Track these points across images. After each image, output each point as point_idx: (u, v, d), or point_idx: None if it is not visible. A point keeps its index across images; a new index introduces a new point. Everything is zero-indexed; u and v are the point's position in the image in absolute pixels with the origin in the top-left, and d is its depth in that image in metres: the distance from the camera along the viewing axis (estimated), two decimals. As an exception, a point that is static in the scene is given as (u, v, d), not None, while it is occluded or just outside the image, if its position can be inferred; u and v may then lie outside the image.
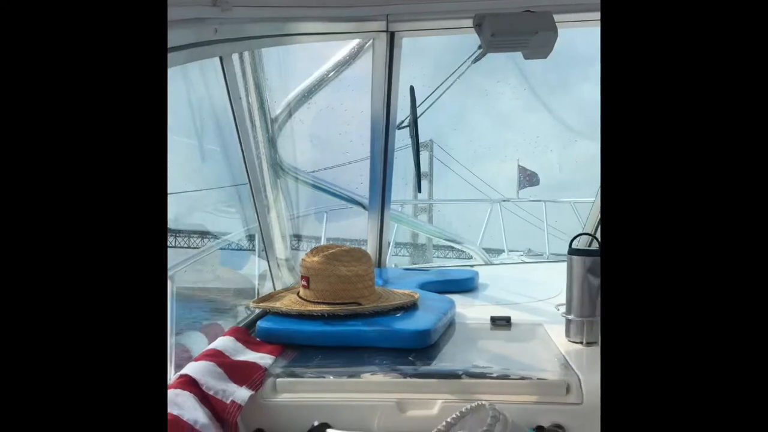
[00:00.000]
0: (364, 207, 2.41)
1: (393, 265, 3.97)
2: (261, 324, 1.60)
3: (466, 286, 2.22)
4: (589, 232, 2.65)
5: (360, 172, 2.30)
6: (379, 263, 2.52)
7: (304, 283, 1.74)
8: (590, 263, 1.53)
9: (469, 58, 1.84)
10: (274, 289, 2.13)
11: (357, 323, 1.59)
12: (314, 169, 2.43)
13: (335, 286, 1.70)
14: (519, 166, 8.47)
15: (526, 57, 1.74)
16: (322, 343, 1.55)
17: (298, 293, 1.78)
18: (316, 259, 1.73)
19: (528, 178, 8.16)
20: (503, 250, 6.47)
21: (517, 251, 7.03)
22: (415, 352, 1.49)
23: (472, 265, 2.84)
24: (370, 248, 2.48)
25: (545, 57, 1.73)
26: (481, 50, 1.74)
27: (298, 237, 2.47)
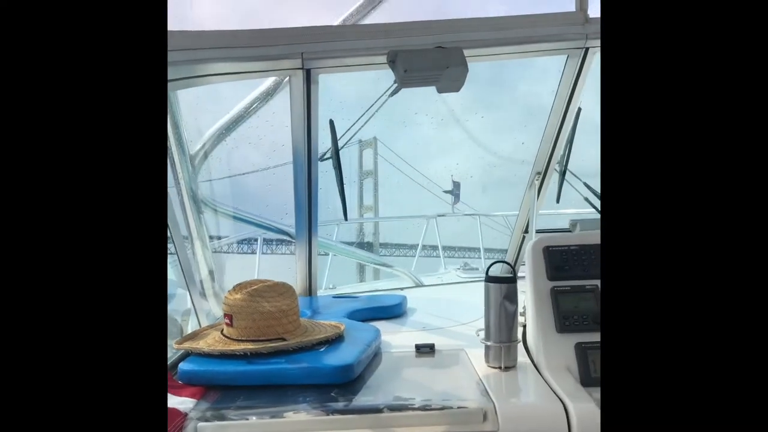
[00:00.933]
0: (291, 237, 2.41)
1: (329, 287, 4.00)
2: (183, 366, 1.58)
3: (393, 312, 2.26)
4: (510, 255, 2.75)
5: (286, 202, 2.30)
6: (310, 291, 2.53)
7: (227, 321, 1.72)
8: (506, 290, 1.59)
9: (385, 92, 1.89)
10: (199, 326, 2.10)
11: (281, 360, 1.58)
12: (235, 205, 2.41)
13: (259, 322, 1.69)
14: (453, 181, 8.65)
15: (440, 91, 1.80)
16: (246, 383, 1.54)
17: (221, 331, 1.77)
18: (238, 296, 1.72)
19: (457, 193, 8.34)
20: (440, 265, 6.57)
21: (454, 265, 7.15)
22: (339, 387, 1.50)
23: (402, 288, 2.88)
24: (300, 276, 2.48)
25: (457, 90, 1.80)
26: (396, 85, 1.78)
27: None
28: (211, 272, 2.38)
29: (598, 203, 2.48)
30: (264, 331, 1.69)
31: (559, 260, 1.68)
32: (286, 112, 1.94)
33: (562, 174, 2.43)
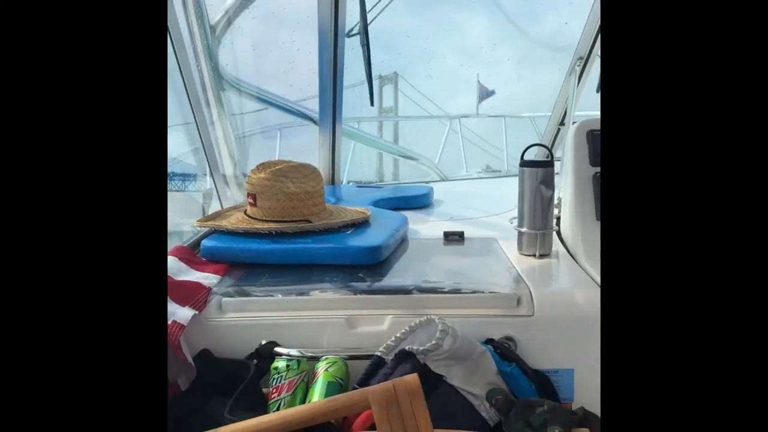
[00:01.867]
0: (314, 122, 2.31)
1: (347, 183, 3.93)
2: (206, 243, 1.54)
3: (420, 202, 2.19)
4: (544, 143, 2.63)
5: (309, 82, 2.18)
6: (333, 180, 2.46)
7: (251, 200, 1.66)
8: (542, 175, 1.50)
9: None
10: (221, 208, 2.06)
11: (306, 240, 1.54)
12: (258, 81, 2.29)
13: (283, 203, 1.63)
14: (478, 82, 8.33)
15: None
16: (270, 261, 1.50)
17: (245, 211, 1.72)
18: (262, 175, 1.65)
19: (484, 93, 8.05)
20: (462, 168, 6.47)
21: (476, 168, 7.05)
22: (366, 268, 1.45)
23: (427, 182, 2.80)
24: (322, 164, 2.41)
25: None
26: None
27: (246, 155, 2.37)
28: (233, 157, 2.31)
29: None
30: (289, 211, 1.63)
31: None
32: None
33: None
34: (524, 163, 1.52)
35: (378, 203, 2.07)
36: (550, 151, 1.54)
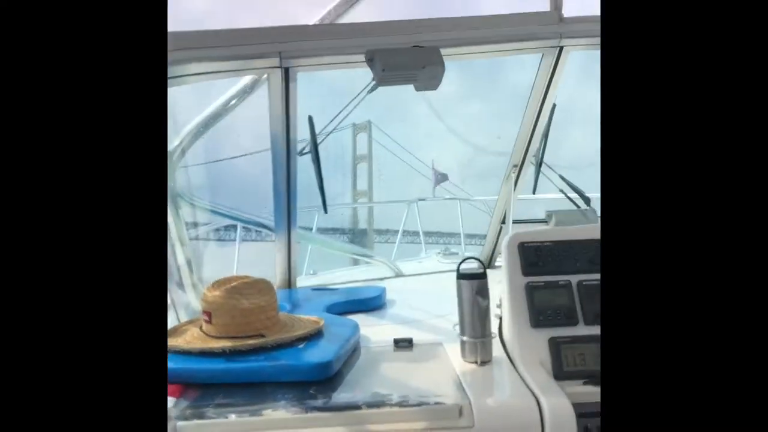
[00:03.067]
0: (270, 230, 2.43)
1: (309, 273, 4.00)
2: (162, 364, 1.60)
3: (373, 305, 2.29)
4: (488, 244, 2.79)
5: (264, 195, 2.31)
6: (290, 284, 2.55)
7: (206, 318, 1.74)
8: (477, 286, 1.62)
9: (364, 89, 1.90)
10: (178, 320, 2.12)
11: (260, 358, 1.61)
12: (213, 198, 2.41)
13: (238, 319, 1.71)
14: (432, 168, 8.68)
15: (417, 89, 1.82)
16: (225, 380, 1.56)
17: (200, 327, 1.79)
18: (217, 293, 1.74)
19: (440, 177, 8.40)
20: (421, 250, 6.62)
21: (435, 250, 7.21)
22: (317, 384, 1.53)
23: (381, 279, 2.91)
24: (279, 270, 2.50)
25: (435, 89, 1.82)
26: (374, 83, 1.80)
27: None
28: (189, 263, 2.38)
29: (572, 194, 2.53)
30: (243, 327, 1.71)
31: (533, 256, 1.71)
32: (265, 107, 1.94)
33: (538, 166, 2.47)
34: (460, 276, 1.65)
35: (332, 308, 2.16)
36: (482, 264, 1.68)
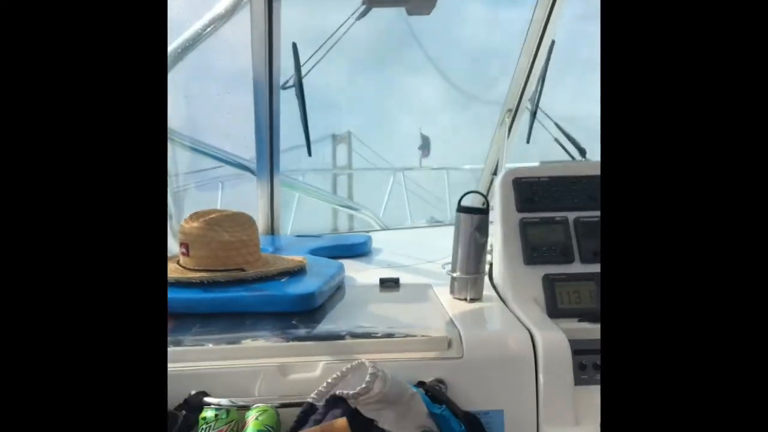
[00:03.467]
0: (252, 172, 2.32)
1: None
2: (135, 295, 1.51)
3: (358, 250, 2.20)
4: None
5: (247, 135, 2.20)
6: (272, 230, 2.45)
7: (183, 250, 1.64)
8: (477, 221, 1.54)
9: (353, 15, 1.79)
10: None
11: (239, 289, 1.52)
12: (193, 133, 2.30)
13: (217, 252, 1.62)
14: (421, 134, 8.56)
15: (409, 12, 1.71)
16: (202, 311, 1.48)
17: (177, 261, 1.69)
18: (195, 224, 1.64)
19: (426, 145, 8.28)
20: (407, 219, 6.55)
21: (421, 220, 7.15)
22: (300, 315, 1.45)
23: (367, 231, 2.83)
24: (261, 215, 2.41)
25: (428, 13, 1.71)
26: (365, 5, 1.69)
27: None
28: (168, 210, 2.28)
29: (568, 145, 2.45)
30: (222, 261, 1.62)
31: (528, 192, 1.63)
32: (246, 33, 1.82)
33: (533, 113, 2.38)
34: (461, 209, 1.56)
35: (316, 252, 2.08)
36: (486, 198, 1.59)
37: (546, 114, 2.36)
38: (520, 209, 1.62)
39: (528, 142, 2.45)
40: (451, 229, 1.61)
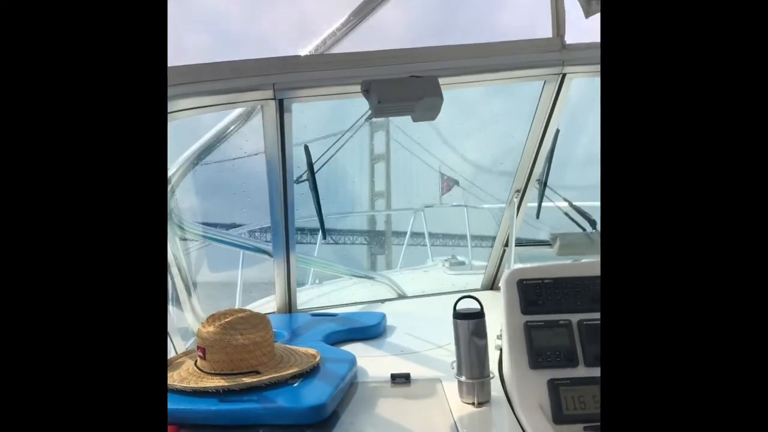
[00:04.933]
0: (269, 255, 2.40)
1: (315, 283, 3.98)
2: (154, 404, 1.57)
3: (372, 333, 2.25)
4: (490, 269, 2.75)
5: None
6: (289, 308, 2.52)
7: (201, 354, 1.71)
8: (474, 326, 1.58)
9: (361, 117, 1.86)
10: (173, 349, 2.10)
11: (253, 398, 1.58)
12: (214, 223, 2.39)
13: (232, 356, 1.68)
14: (440, 173, 8.62)
15: (415, 120, 1.78)
16: (218, 422, 1.53)
17: (195, 361, 1.76)
18: (211, 329, 1.71)
19: (447, 184, 8.34)
20: (428, 257, 6.58)
21: (441, 255, 7.17)
22: (312, 427, 1.50)
23: (383, 300, 2.88)
24: (278, 294, 2.47)
25: (433, 119, 1.78)
26: (371, 116, 1.76)
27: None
28: (186, 285, 2.36)
29: (578, 218, 2.48)
30: (237, 364, 1.68)
31: (533, 294, 1.67)
32: (260, 136, 1.91)
33: (542, 190, 2.42)
34: (457, 315, 1.61)
35: (330, 337, 2.13)
36: (479, 302, 1.63)
37: (554, 191, 2.40)
38: (524, 311, 1.66)
39: (537, 218, 2.50)
40: (471, 278, 1.63)
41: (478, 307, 1.62)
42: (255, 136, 1.95)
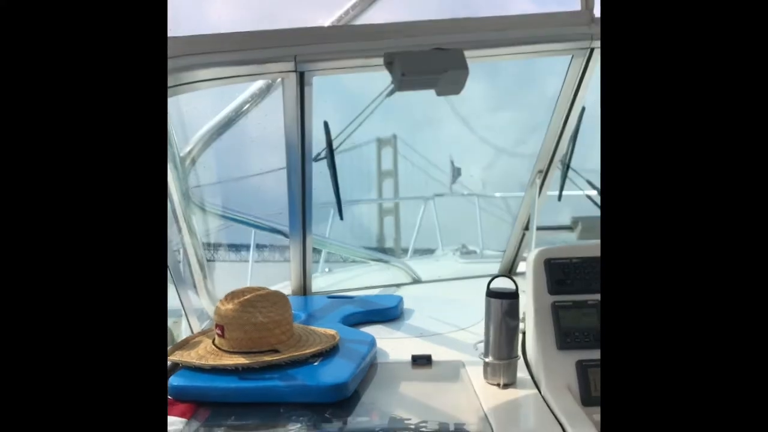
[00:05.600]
0: (285, 235, 2.36)
1: (324, 271, 3.93)
2: (173, 381, 1.54)
3: (390, 315, 2.21)
4: (510, 250, 2.70)
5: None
6: (305, 291, 2.48)
7: (219, 332, 1.67)
8: (507, 306, 1.54)
9: (382, 93, 1.82)
10: (190, 329, 2.06)
11: (273, 376, 1.54)
12: (226, 205, 2.35)
13: (251, 334, 1.65)
14: (450, 161, 8.55)
15: (439, 94, 1.73)
16: (237, 400, 1.50)
17: (213, 340, 1.72)
18: (230, 306, 1.67)
19: (457, 173, 8.28)
20: (438, 247, 6.54)
21: (452, 247, 7.12)
22: (333, 405, 1.46)
23: (398, 285, 2.84)
24: (294, 276, 2.44)
25: (457, 93, 1.72)
26: (394, 88, 1.71)
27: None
28: (202, 268, 2.33)
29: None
30: (257, 342, 1.65)
31: (560, 273, 1.62)
32: (279, 112, 1.87)
33: (565, 171, 2.37)
34: (489, 293, 1.56)
35: (347, 318, 2.09)
36: (515, 282, 1.59)
37: (577, 172, 2.34)
38: (552, 291, 1.61)
39: (560, 200, 2.45)
40: (484, 266, 1.60)
41: (513, 287, 1.57)
42: (274, 113, 1.91)
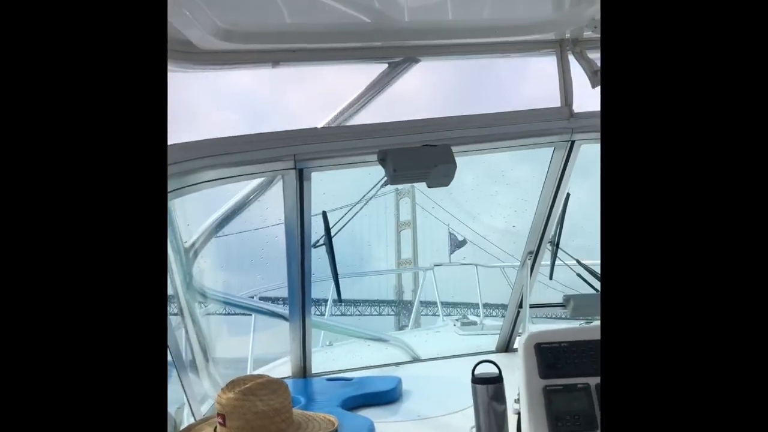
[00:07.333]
0: (285, 319, 2.42)
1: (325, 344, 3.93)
2: (174, 476, 1.57)
3: (388, 398, 2.25)
4: (504, 331, 2.75)
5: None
6: (304, 373, 2.52)
7: (220, 420, 1.71)
8: (493, 391, 1.59)
9: (377, 185, 1.92)
10: (192, 414, 2.09)
11: (272, 470, 1.57)
12: (227, 291, 2.43)
13: (252, 422, 1.68)
14: (449, 233, 8.71)
15: (429, 186, 1.83)
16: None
17: (215, 429, 1.76)
18: (231, 395, 1.71)
19: (456, 243, 8.42)
20: (438, 315, 6.54)
21: (452, 316, 7.11)
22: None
23: (397, 363, 2.87)
24: (293, 357, 2.48)
25: (447, 185, 1.83)
26: (387, 181, 1.82)
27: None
28: (204, 351, 2.37)
29: (591, 279, 2.50)
30: (258, 430, 1.68)
31: (551, 357, 1.68)
32: (279, 203, 1.97)
33: (554, 253, 2.45)
34: (475, 380, 1.61)
35: (346, 402, 2.13)
36: (497, 367, 1.64)
37: (567, 253, 2.43)
38: (543, 375, 1.66)
39: (551, 278, 2.52)
40: (478, 355, 1.63)
41: (496, 371, 1.62)
42: (274, 205, 2.01)
